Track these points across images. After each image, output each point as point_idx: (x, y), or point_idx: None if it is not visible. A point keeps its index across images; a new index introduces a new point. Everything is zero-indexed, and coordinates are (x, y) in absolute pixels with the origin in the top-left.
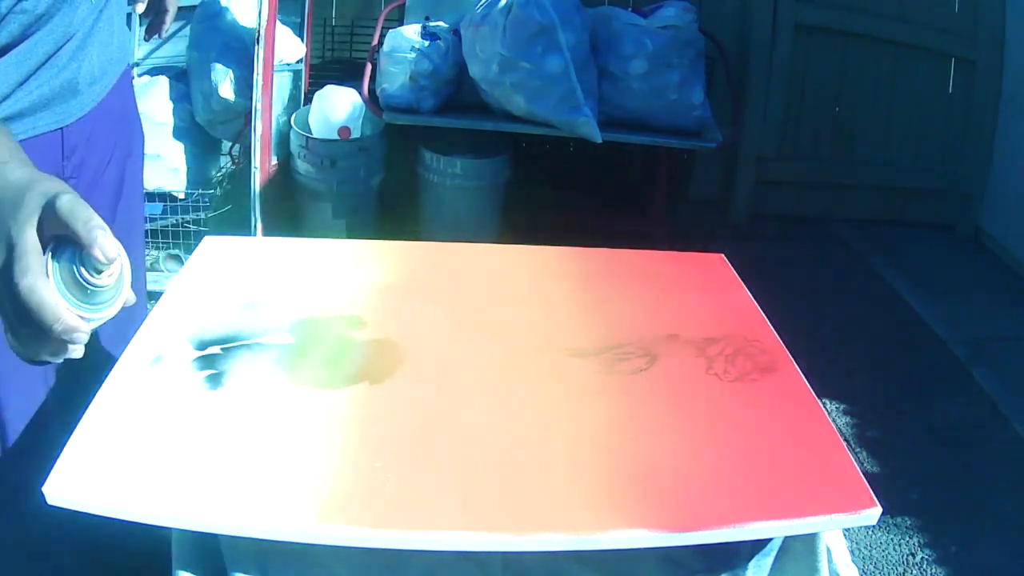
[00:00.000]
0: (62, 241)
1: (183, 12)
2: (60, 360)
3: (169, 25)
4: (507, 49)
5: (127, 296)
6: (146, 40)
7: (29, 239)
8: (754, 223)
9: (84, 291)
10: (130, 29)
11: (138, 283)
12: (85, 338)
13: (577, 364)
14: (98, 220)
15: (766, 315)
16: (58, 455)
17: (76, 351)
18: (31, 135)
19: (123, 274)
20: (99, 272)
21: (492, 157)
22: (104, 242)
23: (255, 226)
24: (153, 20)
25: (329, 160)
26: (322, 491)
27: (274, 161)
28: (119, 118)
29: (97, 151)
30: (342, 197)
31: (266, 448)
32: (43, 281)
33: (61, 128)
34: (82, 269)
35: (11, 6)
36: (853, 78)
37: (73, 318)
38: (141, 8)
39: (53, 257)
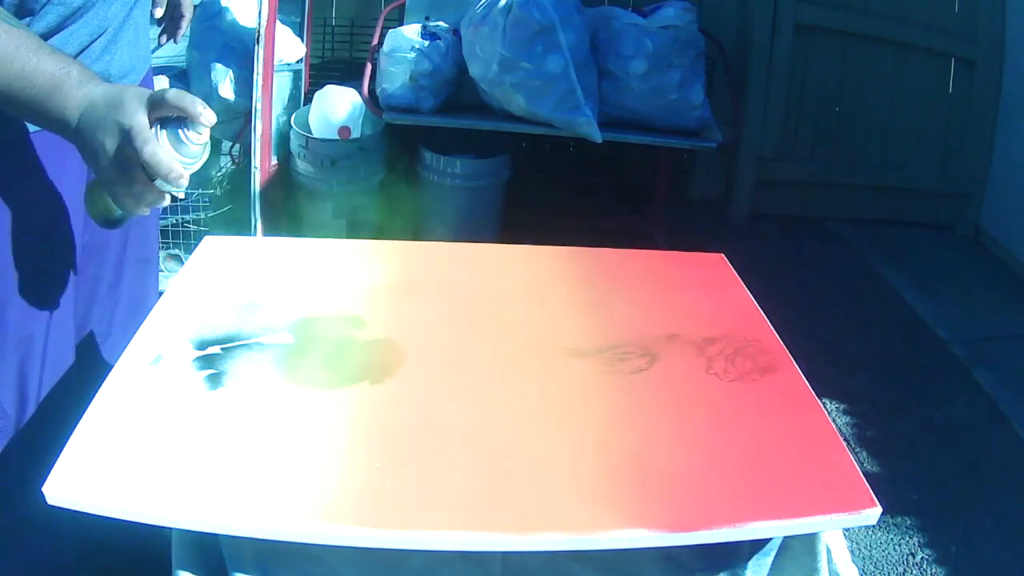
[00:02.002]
0: (163, 120)
1: None
2: (147, 211)
3: (185, 30)
4: (507, 49)
5: (207, 153)
6: (160, 44)
7: (143, 121)
8: (754, 223)
9: (185, 148)
10: None
11: (150, 280)
12: (186, 183)
13: (577, 364)
14: (200, 100)
15: (766, 315)
16: (58, 455)
17: (167, 199)
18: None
19: (208, 141)
20: (199, 134)
21: (492, 157)
22: (206, 112)
23: (255, 226)
24: (168, 24)
25: (329, 160)
26: (322, 491)
27: (274, 161)
28: None
29: None
30: (342, 197)
31: (266, 448)
32: (160, 147)
33: None
34: (187, 132)
35: None
36: (853, 78)
37: (180, 167)
38: (159, 13)
39: (161, 127)
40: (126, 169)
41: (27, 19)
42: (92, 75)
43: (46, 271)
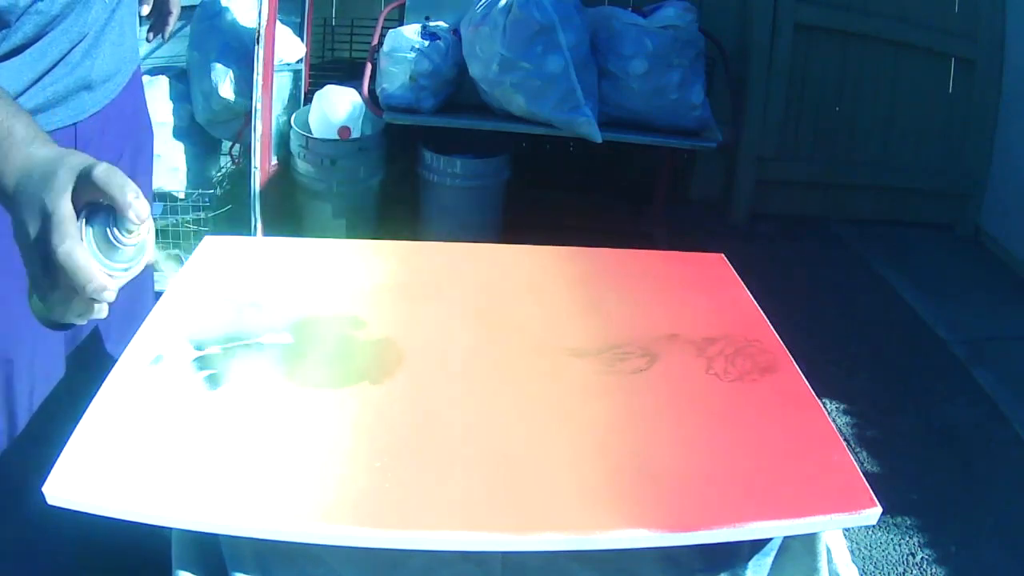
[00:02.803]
0: (94, 208)
1: (183, 12)
2: (85, 321)
3: (173, 27)
4: (507, 49)
5: (150, 256)
6: (148, 41)
7: (65, 207)
8: (754, 223)
9: (115, 251)
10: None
11: (146, 280)
12: (112, 296)
13: (577, 364)
14: (132, 185)
15: (766, 315)
16: (58, 455)
17: (102, 311)
18: (45, 130)
19: (149, 235)
20: (130, 232)
21: (492, 157)
22: (137, 204)
23: (255, 226)
24: (156, 21)
25: (329, 160)
26: (322, 491)
27: (274, 161)
28: (131, 116)
29: (109, 147)
30: (342, 197)
31: (266, 448)
32: (79, 245)
33: (75, 124)
34: (115, 230)
35: (27, 7)
36: (853, 78)
37: (104, 277)
38: (146, 10)
39: (87, 222)
40: (47, 267)
41: (3, 31)
42: (37, 133)
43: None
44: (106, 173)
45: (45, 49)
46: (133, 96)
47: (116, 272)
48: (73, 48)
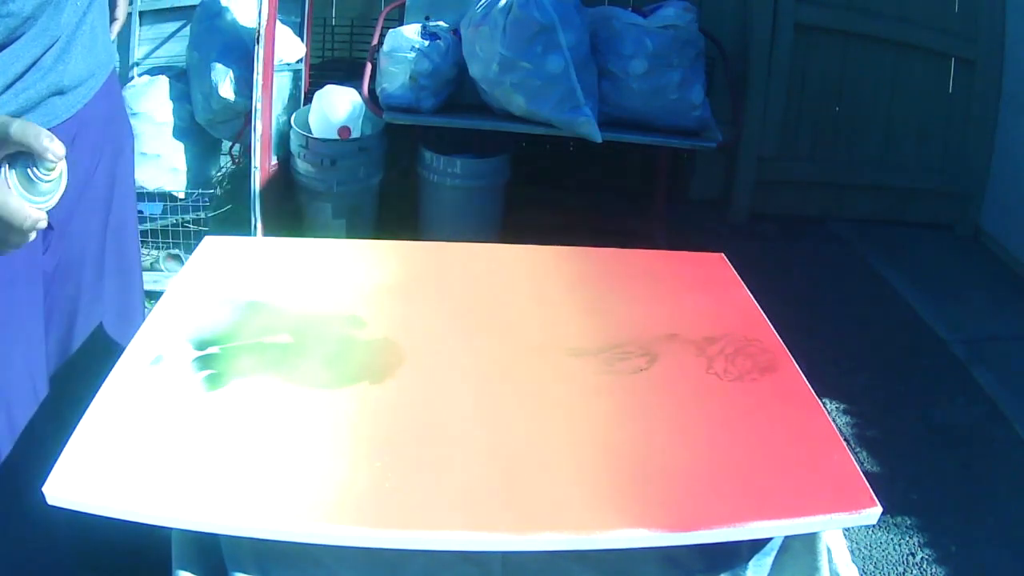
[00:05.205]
0: (12, 156)
1: (183, 12)
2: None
3: (118, 31)
4: (507, 49)
5: (64, 182)
6: None
7: None
8: (754, 223)
9: (37, 188)
10: (129, 32)
11: (135, 281)
12: (44, 223)
13: (577, 364)
14: (46, 132)
15: (766, 315)
16: (58, 455)
17: (32, 235)
18: None
19: (64, 169)
20: (49, 171)
21: (492, 157)
22: (52, 145)
23: (255, 226)
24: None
25: (329, 160)
26: (322, 491)
27: (274, 161)
28: (107, 119)
29: (85, 152)
30: (342, 197)
31: (266, 448)
32: (8, 194)
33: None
34: (35, 170)
35: None
36: (853, 78)
37: (35, 211)
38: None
39: (10, 168)
40: None
41: None
42: None
43: (8, 303)
44: (21, 127)
45: (18, 53)
46: (108, 99)
47: (40, 204)
48: (45, 52)
